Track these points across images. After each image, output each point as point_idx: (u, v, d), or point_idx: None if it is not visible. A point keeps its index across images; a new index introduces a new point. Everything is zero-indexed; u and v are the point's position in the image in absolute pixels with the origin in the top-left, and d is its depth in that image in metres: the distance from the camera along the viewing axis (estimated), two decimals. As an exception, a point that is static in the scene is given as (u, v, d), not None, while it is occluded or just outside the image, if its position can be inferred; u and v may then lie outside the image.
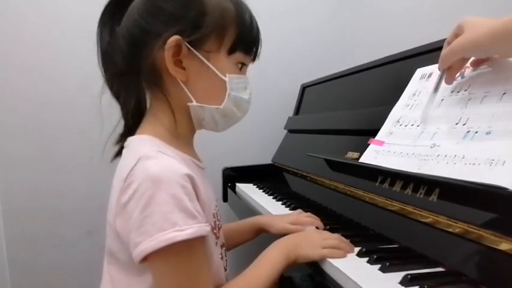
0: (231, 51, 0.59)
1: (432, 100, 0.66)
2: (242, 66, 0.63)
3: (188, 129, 0.64)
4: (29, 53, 1.28)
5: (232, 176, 1.34)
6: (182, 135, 0.62)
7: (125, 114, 0.61)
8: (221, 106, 0.60)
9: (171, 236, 0.48)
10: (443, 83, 0.65)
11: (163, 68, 0.57)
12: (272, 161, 1.40)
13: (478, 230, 0.50)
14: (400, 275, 0.50)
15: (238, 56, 0.61)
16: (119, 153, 0.63)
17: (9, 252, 1.33)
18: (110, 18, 0.61)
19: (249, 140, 1.52)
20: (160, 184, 0.49)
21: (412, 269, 0.52)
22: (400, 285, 0.48)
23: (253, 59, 0.66)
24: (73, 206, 1.34)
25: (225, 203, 1.34)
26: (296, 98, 1.49)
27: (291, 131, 1.40)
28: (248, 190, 1.19)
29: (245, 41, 0.61)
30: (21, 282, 1.34)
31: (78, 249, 1.35)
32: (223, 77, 0.59)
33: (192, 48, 0.56)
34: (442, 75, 0.65)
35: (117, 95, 0.61)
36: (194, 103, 0.59)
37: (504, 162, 0.48)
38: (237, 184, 1.31)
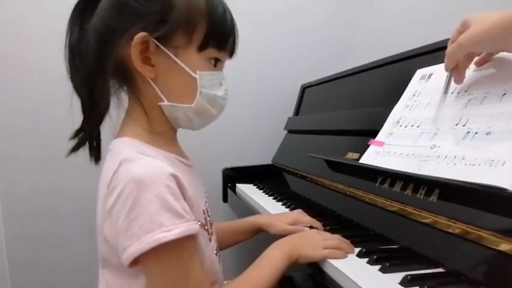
0: (202, 47, 0.57)
1: (443, 102, 0.65)
2: (216, 62, 0.61)
3: (167, 127, 0.63)
4: (29, 53, 1.28)
5: (232, 176, 1.34)
6: (162, 133, 0.61)
7: (86, 112, 0.60)
8: (193, 105, 0.58)
9: (158, 237, 0.47)
10: (452, 83, 0.64)
11: (132, 66, 0.55)
12: (272, 161, 1.40)
13: (478, 231, 0.50)
14: (400, 275, 0.50)
15: (211, 51, 0.58)
16: (74, 149, 0.62)
17: (9, 252, 1.33)
18: (79, 15, 0.60)
19: (249, 141, 1.52)
20: (144, 185, 0.48)
21: (412, 270, 0.52)
22: (400, 286, 0.49)
23: (230, 55, 0.63)
24: (73, 206, 1.34)
25: (225, 203, 1.34)
26: (296, 98, 1.49)
27: (291, 132, 1.40)
28: (248, 190, 1.19)
29: (217, 36, 0.58)
30: (21, 282, 1.34)
31: (78, 249, 1.35)
32: (194, 74, 0.57)
33: (159, 45, 0.55)
34: (451, 75, 0.63)
35: (79, 92, 0.60)
36: (165, 102, 0.58)
37: (504, 162, 0.48)
38: (237, 184, 1.31)
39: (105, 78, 0.56)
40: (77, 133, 0.61)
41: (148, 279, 0.52)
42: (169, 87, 0.58)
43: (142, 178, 0.49)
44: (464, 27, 0.56)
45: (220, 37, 0.59)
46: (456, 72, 0.62)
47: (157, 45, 0.55)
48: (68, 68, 0.60)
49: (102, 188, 0.54)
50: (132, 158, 0.52)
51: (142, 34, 0.54)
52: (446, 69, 0.63)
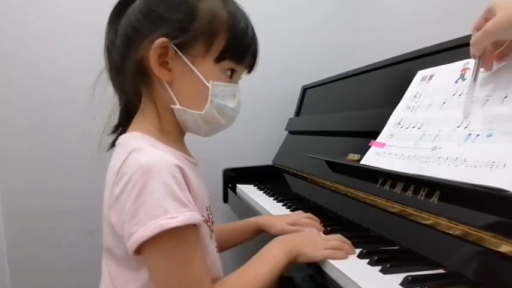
0: (219, 59, 0.59)
1: (472, 90, 0.61)
2: (232, 74, 0.62)
3: (176, 128, 0.64)
4: (30, 53, 1.28)
5: (233, 177, 1.35)
6: (171, 132, 0.63)
7: (120, 108, 0.64)
8: (202, 112, 0.60)
9: (163, 223, 0.49)
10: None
11: (150, 67, 0.57)
12: (273, 162, 1.40)
13: (479, 232, 0.50)
14: (400, 276, 0.50)
15: (227, 63, 0.60)
16: (114, 144, 0.64)
17: (9, 252, 1.33)
18: (115, 18, 0.62)
19: (249, 141, 1.53)
20: (151, 173, 0.50)
21: (413, 271, 0.52)
22: (400, 287, 0.49)
23: (249, 70, 0.66)
24: (73, 205, 1.35)
25: (226, 204, 1.35)
26: (297, 99, 1.49)
27: (291, 133, 1.40)
28: (249, 191, 1.19)
29: (235, 49, 0.60)
30: (21, 282, 1.34)
31: (79, 249, 1.35)
32: (207, 83, 0.59)
33: (178, 51, 0.57)
34: (479, 63, 0.60)
35: (116, 89, 0.63)
36: (177, 106, 0.60)
37: (505, 164, 0.49)
38: (238, 185, 1.31)
39: (127, 77, 0.59)
40: (115, 128, 0.65)
41: (150, 267, 0.53)
42: (183, 92, 0.60)
43: (149, 166, 0.50)
44: (490, 13, 0.54)
45: (238, 51, 0.61)
46: (484, 59, 0.59)
47: (176, 51, 0.57)
48: (106, 67, 0.64)
49: (110, 177, 0.55)
50: (141, 148, 0.54)
51: (162, 39, 0.56)
52: (473, 58, 0.60)
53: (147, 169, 0.50)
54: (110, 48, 0.63)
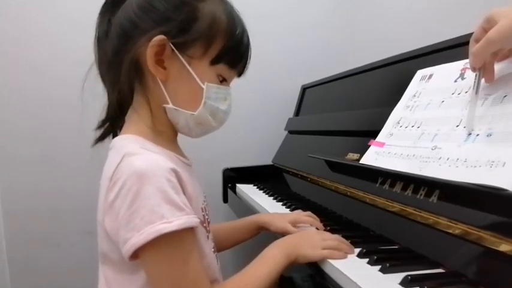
0: (214, 62, 0.60)
1: (474, 103, 0.59)
2: (222, 81, 0.63)
3: (169, 128, 0.64)
4: (30, 53, 1.28)
5: (233, 177, 1.35)
6: (164, 132, 0.63)
7: (109, 103, 0.62)
8: (195, 113, 0.60)
9: (159, 228, 0.48)
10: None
11: (146, 64, 0.57)
12: (272, 161, 1.40)
13: (478, 231, 0.50)
14: (400, 275, 0.50)
15: (222, 67, 0.61)
16: (100, 139, 0.64)
17: (9, 252, 1.33)
18: (109, 8, 0.62)
19: (249, 141, 1.53)
20: (145, 178, 0.49)
21: (412, 270, 0.52)
22: (400, 286, 0.49)
23: (239, 75, 0.66)
24: (73, 205, 1.34)
25: (225, 204, 1.34)
26: (296, 99, 1.49)
27: (291, 132, 1.40)
28: (248, 191, 1.19)
29: (231, 54, 0.61)
30: (21, 282, 1.34)
31: (78, 249, 1.35)
32: (202, 85, 0.59)
33: (175, 50, 0.57)
34: (480, 75, 0.58)
35: (104, 82, 0.62)
36: (170, 105, 0.60)
37: (504, 163, 0.49)
38: (237, 185, 1.31)
39: (120, 72, 0.58)
40: (102, 123, 0.64)
41: (148, 272, 0.53)
42: (177, 92, 0.60)
43: (144, 171, 0.50)
44: (489, 23, 0.53)
45: (234, 56, 0.62)
46: (485, 70, 0.58)
47: (173, 50, 0.57)
48: (96, 58, 0.63)
49: (104, 182, 0.55)
50: (134, 152, 0.53)
51: (161, 37, 0.56)
52: (473, 70, 0.59)
53: (142, 174, 0.49)
54: (101, 40, 0.62)
